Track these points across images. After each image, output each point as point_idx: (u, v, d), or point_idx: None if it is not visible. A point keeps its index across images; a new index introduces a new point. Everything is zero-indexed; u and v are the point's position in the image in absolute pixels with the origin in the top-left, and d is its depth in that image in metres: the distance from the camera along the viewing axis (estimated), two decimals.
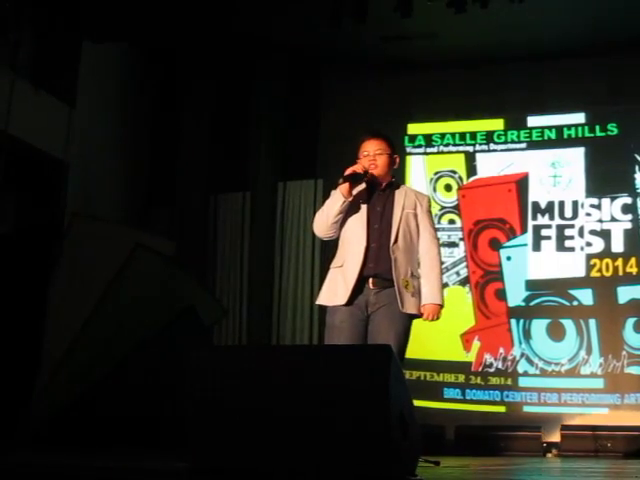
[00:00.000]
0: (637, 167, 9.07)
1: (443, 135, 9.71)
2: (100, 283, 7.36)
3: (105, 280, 7.37)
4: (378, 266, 4.23)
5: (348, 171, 4.26)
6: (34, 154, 7.91)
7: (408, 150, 9.77)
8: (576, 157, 9.33)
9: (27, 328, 7.34)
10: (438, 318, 4.33)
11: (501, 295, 9.23)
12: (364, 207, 4.35)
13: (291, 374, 3.18)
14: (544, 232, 9.24)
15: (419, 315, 4.29)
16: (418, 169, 9.72)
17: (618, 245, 9.01)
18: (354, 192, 4.32)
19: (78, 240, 7.65)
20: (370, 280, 4.23)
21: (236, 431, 3.15)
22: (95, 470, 3.75)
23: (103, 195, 8.99)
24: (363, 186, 4.38)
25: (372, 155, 4.37)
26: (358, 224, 4.31)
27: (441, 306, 4.33)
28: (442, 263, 4.55)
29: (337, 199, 4.27)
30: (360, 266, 4.21)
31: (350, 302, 4.20)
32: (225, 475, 3.07)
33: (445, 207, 9.58)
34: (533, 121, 9.54)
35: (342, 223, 4.34)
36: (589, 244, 9.08)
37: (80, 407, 6.96)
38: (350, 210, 4.33)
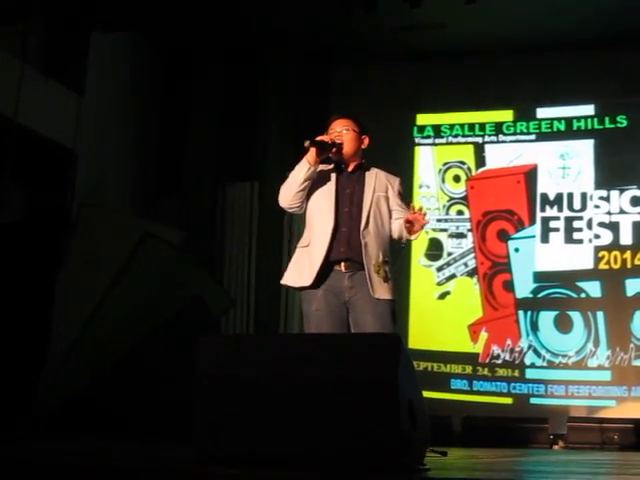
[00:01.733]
0: None
1: (452, 126, 9.68)
2: (108, 272, 7.36)
3: (113, 270, 7.38)
4: (350, 250, 4.11)
5: (317, 138, 4.17)
6: (43, 143, 7.91)
7: (417, 141, 9.75)
8: (585, 149, 9.31)
9: (35, 317, 7.35)
10: (425, 221, 4.02)
11: (509, 286, 9.23)
12: (332, 188, 4.23)
13: (299, 363, 3.17)
14: (552, 224, 9.22)
15: (394, 300, 4.15)
16: (427, 160, 9.69)
17: (627, 237, 8.99)
18: (321, 167, 4.21)
19: (86, 229, 7.66)
20: (342, 264, 4.11)
21: (244, 420, 3.15)
22: (103, 457, 3.77)
23: (112, 184, 9.00)
24: (331, 166, 4.29)
25: (338, 132, 4.28)
26: (325, 205, 4.18)
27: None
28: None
29: (302, 166, 4.15)
30: (327, 248, 4.10)
31: (316, 284, 4.10)
32: (233, 463, 3.07)
33: (453, 198, 9.57)
34: (542, 112, 9.52)
35: (308, 198, 4.22)
36: (597, 236, 9.07)
37: (87, 396, 6.98)
38: (317, 186, 4.22)
